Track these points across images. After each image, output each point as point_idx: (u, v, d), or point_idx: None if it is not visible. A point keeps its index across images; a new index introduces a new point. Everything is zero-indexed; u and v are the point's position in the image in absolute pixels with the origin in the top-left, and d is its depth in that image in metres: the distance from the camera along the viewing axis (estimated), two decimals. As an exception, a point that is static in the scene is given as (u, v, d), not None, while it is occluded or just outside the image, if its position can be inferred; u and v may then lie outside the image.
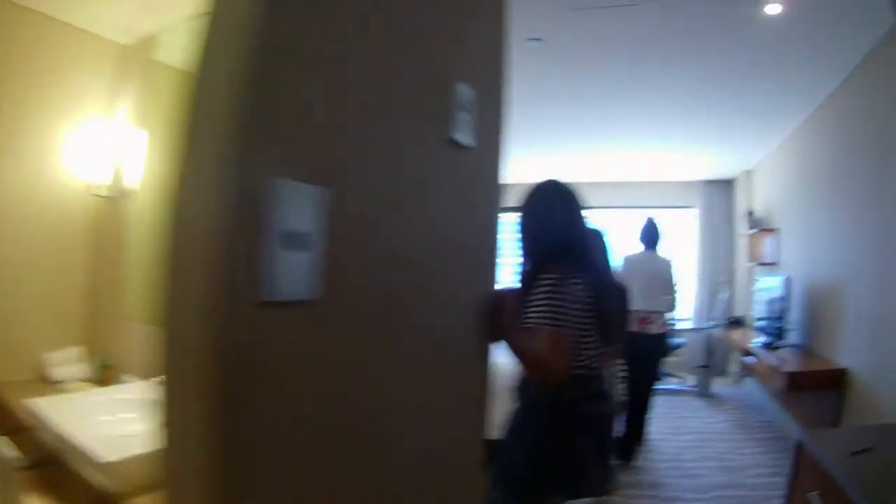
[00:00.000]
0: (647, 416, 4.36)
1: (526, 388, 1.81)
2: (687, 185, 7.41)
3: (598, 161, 6.67)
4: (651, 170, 7.06)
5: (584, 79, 3.99)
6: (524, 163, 6.50)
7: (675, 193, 7.50)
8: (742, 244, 6.60)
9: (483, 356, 1.30)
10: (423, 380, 1.05)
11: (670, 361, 6.81)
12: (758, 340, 4.51)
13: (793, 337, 4.20)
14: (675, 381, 6.40)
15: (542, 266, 1.68)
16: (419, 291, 1.01)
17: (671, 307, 4.08)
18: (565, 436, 1.67)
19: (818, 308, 3.98)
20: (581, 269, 1.69)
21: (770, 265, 5.33)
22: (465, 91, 1.11)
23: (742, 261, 6.48)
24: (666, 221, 7.48)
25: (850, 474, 2.21)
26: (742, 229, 6.36)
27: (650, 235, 4.10)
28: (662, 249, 4.23)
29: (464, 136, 1.12)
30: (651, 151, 6.13)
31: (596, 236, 3.28)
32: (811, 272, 4.19)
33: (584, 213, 1.83)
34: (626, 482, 3.67)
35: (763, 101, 4.20)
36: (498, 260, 1.33)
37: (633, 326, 3.75)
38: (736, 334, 5.54)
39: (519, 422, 1.80)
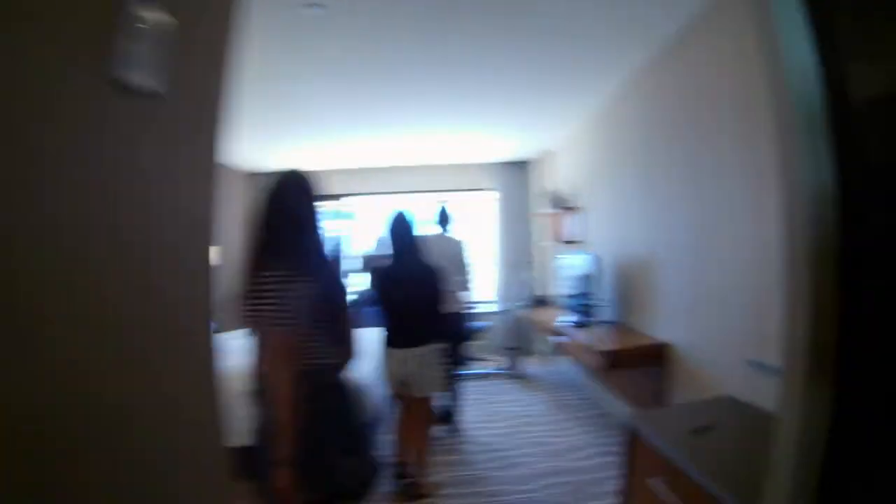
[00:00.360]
0: (456, 403, 4.13)
1: (261, 391, 1.79)
2: (487, 167, 7.46)
3: (394, 144, 6.39)
4: (450, 153, 6.97)
5: (372, 54, 3.53)
6: (307, 146, 6.08)
7: (475, 176, 7.52)
8: (544, 224, 6.74)
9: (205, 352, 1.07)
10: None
11: (478, 345, 6.77)
12: (567, 319, 4.49)
13: (605, 314, 4.22)
14: (484, 364, 6.35)
15: (270, 262, 1.68)
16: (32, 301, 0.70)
17: (465, 286, 4.11)
18: (305, 432, 1.67)
19: (631, 284, 4.02)
20: (311, 266, 1.73)
21: (576, 243, 5.43)
22: (147, 11, 0.81)
23: (545, 240, 6.60)
24: (467, 204, 7.62)
25: (694, 456, 2.05)
26: (543, 209, 6.46)
27: (442, 218, 4.25)
28: (456, 231, 4.36)
29: (141, 77, 0.81)
30: (449, 133, 5.95)
31: (402, 221, 3.01)
32: (622, 249, 4.24)
33: (319, 206, 1.85)
34: (443, 480, 3.35)
35: (563, 77, 4.12)
36: (212, 256, 1.08)
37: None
38: (543, 314, 5.57)
39: (261, 423, 1.82)
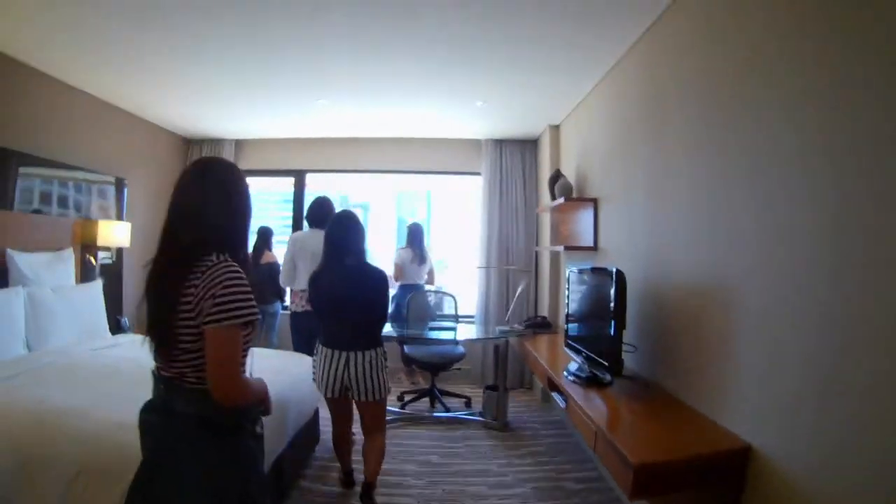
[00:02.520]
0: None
1: None
2: (474, 144, 5.84)
3: (365, 116, 5.16)
4: (432, 128, 5.53)
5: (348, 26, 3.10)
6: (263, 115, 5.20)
7: (459, 157, 5.92)
8: (546, 220, 5.12)
9: None
10: None
11: (448, 374, 5.18)
12: (574, 369, 2.88)
13: (630, 364, 2.63)
14: (455, 403, 4.78)
15: None
16: None
17: None
18: None
19: (679, 325, 2.42)
20: None
21: (586, 249, 3.82)
22: None
23: (549, 243, 4.94)
24: (448, 190, 6.23)
25: None
26: (545, 201, 4.81)
27: (317, 214, 3.97)
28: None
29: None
30: (429, 108, 4.75)
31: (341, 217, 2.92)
32: (654, 262, 2.66)
33: None
34: None
35: (573, 24, 2.93)
36: None
37: (299, 306, 3.88)
38: (543, 344, 3.97)
39: None
